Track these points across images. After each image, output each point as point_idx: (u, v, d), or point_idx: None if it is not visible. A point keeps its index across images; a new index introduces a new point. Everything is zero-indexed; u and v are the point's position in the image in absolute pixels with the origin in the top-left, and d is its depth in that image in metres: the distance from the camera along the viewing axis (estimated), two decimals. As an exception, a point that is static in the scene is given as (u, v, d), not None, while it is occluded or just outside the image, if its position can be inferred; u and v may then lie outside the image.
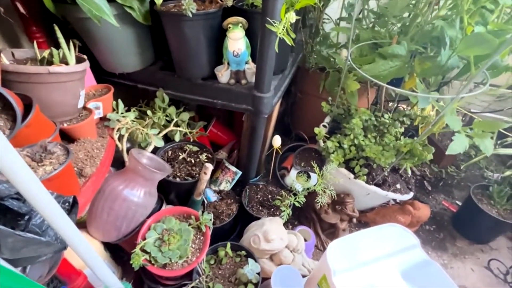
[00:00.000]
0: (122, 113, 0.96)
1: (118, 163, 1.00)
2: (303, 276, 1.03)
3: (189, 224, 0.91)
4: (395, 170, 1.37)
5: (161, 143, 1.01)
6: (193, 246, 0.88)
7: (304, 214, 1.36)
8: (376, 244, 0.81)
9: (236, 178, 1.21)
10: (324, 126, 1.37)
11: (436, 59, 0.97)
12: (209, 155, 1.12)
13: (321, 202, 1.03)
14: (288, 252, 1.00)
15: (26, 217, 0.45)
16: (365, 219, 1.39)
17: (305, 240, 1.20)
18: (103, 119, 0.96)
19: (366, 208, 1.42)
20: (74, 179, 0.67)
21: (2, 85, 0.64)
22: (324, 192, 1.02)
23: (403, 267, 0.77)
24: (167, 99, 1.07)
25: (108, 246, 0.93)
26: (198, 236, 0.90)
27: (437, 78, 1.36)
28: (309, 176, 1.25)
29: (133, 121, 0.95)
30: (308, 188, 1.08)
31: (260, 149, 1.14)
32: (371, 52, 1.17)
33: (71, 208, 0.55)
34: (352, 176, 1.18)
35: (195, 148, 1.14)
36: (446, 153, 0.86)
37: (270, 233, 0.96)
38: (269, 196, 1.23)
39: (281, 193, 1.21)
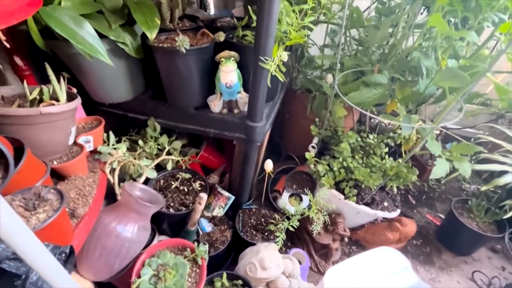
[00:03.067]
0: (113, 145, 0.95)
1: (108, 195, 0.98)
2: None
3: (185, 257, 0.90)
4: (381, 188, 1.42)
5: (153, 174, 1.00)
6: (189, 280, 0.86)
7: (297, 235, 1.37)
8: (370, 268, 0.83)
9: (229, 203, 1.21)
10: (313, 147, 1.42)
11: (415, 87, 1.04)
12: (202, 183, 1.12)
13: (316, 230, 1.05)
14: (284, 278, 1.01)
15: (23, 276, 0.44)
16: (355, 237, 1.43)
17: (300, 263, 1.21)
18: (94, 151, 0.94)
19: (356, 226, 1.46)
20: (68, 223, 0.65)
21: (-10, 128, 0.62)
22: (318, 219, 1.04)
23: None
24: (158, 128, 1.07)
25: (100, 285, 0.90)
26: (194, 269, 0.89)
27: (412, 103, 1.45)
28: (301, 199, 1.28)
29: (125, 153, 0.94)
30: (301, 213, 1.10)
31: (252, 173, 1.15)
32: (355, 78, 1.24)
33: (68, 257, 0.54)
34: (342, 197, 1.22)
35: (188, 176, 1.14)
36: (430, 177, 0.92)
37: (266, 260, 0.97)
38: (263, 220, 1.24)
39: (274, 216, 1.22)
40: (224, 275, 0.97)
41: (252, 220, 1.23)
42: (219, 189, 1.23)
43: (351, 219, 1.35)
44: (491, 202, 1.38)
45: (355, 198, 1.19)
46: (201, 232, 0.96)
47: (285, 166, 1.33)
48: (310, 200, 1.11)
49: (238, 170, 1.16)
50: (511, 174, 1.26)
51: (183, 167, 1.13)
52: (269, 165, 1.16)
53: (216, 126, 1.02)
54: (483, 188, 1.32)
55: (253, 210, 1.27)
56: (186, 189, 1.07)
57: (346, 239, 1.32)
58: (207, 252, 0.92)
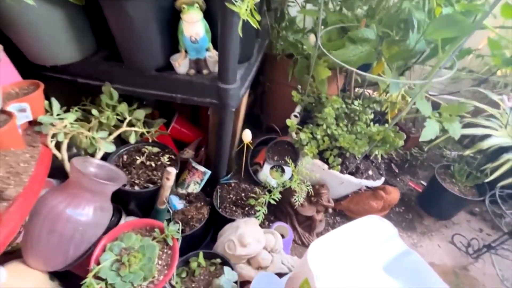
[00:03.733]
0: (58, 115, 0.79)
1: (60, 173, 0.84)
2: (283, 274, 0.99)
3: (153, 238, 0.80)
4: (366, 157, 1.37)
5: (111, 148, 0.86)
6: (160, 263, 0.77)
7: (280, 209, 1.31)
8: (356, 238, 0.78)
9: (205, 178, 1.11)
10: (295, 116, 1.31)
11: (404, 43, 0.94)
12: (172, 156, 0.99)
13: (299, 201, 0.98)
14: (266, 253, 0.95)
15: None
16: (339, 208, 1.39)
17: (283, 237, 1.15)
18: (34, 123, 0.78)
19: (340, 197, 1.42)
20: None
21: None
22: (301, 189, 0.97)
23: (385, 260, 0.75)
24: (116, 95, 0.92)
25: (57, 274, 0.79)
26: (165, 251, 0.80)
27: (399, 63, 1.36)
28: (283, 170, 1.20)
29: (73, 123, 0.79)
30: (283, 185, 1.02)
31: (229, 146, 1.04)
32: (340, 36, 1.12)
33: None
34: (326, 167, 1.15)
35: (156, 149, 1.01)
36: (420, 139, 0.86)
37: (246, 236, 0.89)
38: (243, 194, 1.15)
39: (255, 190, 1.14)
40: (201, 254, 0.89)
41: (232, 196, 1.14)
42: (194, 164, 1.12)
43: (335, 190, 1.29)
44: (471, 167, 1.37)
45: (339, 167, 1.13)
46: (171, 210, 0.86)
47: (265, 137, 1.23)
48: (292, 171, 1.03)
49: (214, 142, 1.04)
50: (494, 137, 1.24)
51: (150, 140, 0.99)
52: (247, 135, 1.05)
53: (183, 90, 0.88)
54: (467, 152, 1.30)
55: (232, 185, 1.18)
56: (153, 165, 0.95)
57: (330, 210, 1.28)
58: (180, 231, 0.82)
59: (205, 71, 0.87)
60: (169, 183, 0.82)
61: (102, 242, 0.75)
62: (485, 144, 1.22)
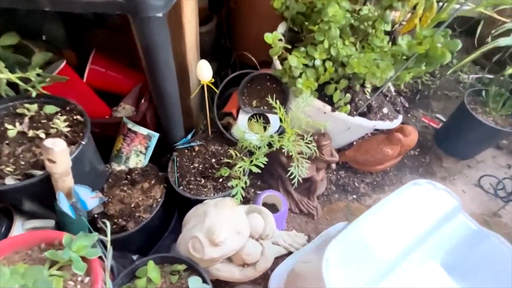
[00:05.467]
0: None
1: None
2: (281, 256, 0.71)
3: (52, 266, 0.46)
4: (375, 89, 1.01)
5: None
6: (70, 300, 0.45)
7: (268, 170, 0.99)
8: (395, 225, 0.47)
9: (152, 144, 0.74)
10: (279, 40, 0.89)
11: None
12: (78, 117, 0.59)
13: (299, 175, 0.63)
14: (252, 245, 0.65)
15: None
16: (343, 159, 1.09)
17: (275, 210, 0.86)
18: None
19: (342, 146, 1.11)
20: None
21: None
22: (301, 152, 0.62)
23: (444, 252, 0.45)
24: None
25: None
26: (79, 279, 0.47)
27: None
28: (267, 120, 0.83)
29: None
30: (270, 144, 0.67)
31: (175, 88, 0.64)
32: None
33: None
34: (329, 108, 0.79)
35: (49, 109, 0.59)
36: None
37: (218, 229, 0.57)
38: (213, 160, 0.80)
39: (229, 153, 0.79)
40: (151, 264, 0.57)
41: (197, 164, 0.79)
42: (130, 125, 0.73)
43: (337, 138, 0.97)
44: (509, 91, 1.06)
45: (348, 107, 0.77)
46: (79, 211, 0.49)
47: (236, 73, 0.82)
48: (281, 120, 0.67)
49: (152, 85, 0.64)
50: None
51: (34, 95, 0.57)
52: (203, 69, 0.64)
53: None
54: (509, 70, 0.97)
55: (196, 148, 0.81)
56: (44, 135, 0.55)
57: (333, 166, 0.97)
58: (108, 234, 0.48)
59: None
60: (56, 166, 0.44)
61: None
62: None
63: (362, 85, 0.90)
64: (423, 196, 0.48)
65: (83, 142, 0.52)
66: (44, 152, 0.43)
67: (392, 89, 1.07)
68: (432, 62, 0.63)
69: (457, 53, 0.70)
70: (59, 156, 0.43)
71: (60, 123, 0.53)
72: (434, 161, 1.16)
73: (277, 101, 0.65)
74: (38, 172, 0.49)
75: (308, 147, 0.64)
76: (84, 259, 0.46)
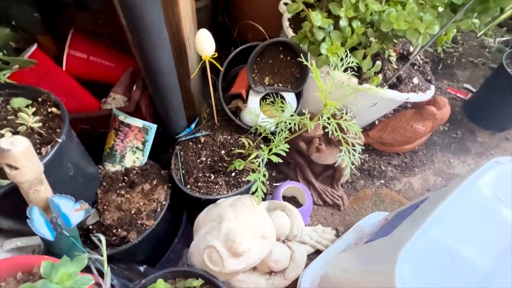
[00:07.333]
0: None
1: None
2: (311, 255, 0.61)
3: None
4: (401, 58, 0.88)
5: None
6: None
7: (284, 159, 0.87)
8: (482, 220, 0.35)
9: (150, 138, 0.62)
10: (286, 4, 0.75)
11: None
12: (53, 110, 0.47)
13: (346, 167, 0.52)
14: (280, 249, 0.54)
15: None
16: (366, 141, 0.97)
17: (298, 205, 0.75)
18: None
19: (365, 125, 0.99)
20: None
21: None
22: (345, 135, 0.50)
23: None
24: None
25: None
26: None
27: None
28: (283, 100, 0.71)
29: None
30: (291, 127, 0.55)
31: (171, 66, 0.52)
32: None
33: None
34: (355, 81, 0.67)
35: (17, 102, 0.47)
36: None
37: (239, 237, 0.46)
38: (223, 152, 0.69)
39: (242, 141, 0.67)
40: (160, 282, 0.47)
41: (204, 158, 0.67)
42: (122, 117, 0.61)
43: (361, 115, 0.84)
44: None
45: (380, 77, 0.64)
46: (60, 227, 0.38)
47: (243, 46, 0.69)
48: (297, 96, 0.54)
49: (141, 63, 0.51)
50: None
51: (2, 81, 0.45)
52: (204, 40, 0.52)
53: None
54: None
55: (202, 140, 0.70)
56: (10, 135, 0.43)
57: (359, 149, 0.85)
58: (104, 250, 0.37)
59: None
60: (22, 174, 0.33)
61: None
62: None
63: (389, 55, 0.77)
64: (509, 178, 0.36)
65: (60, 140, 0.41)
66: (0, 156, 0.32)
67: (419, 56, 0.94)
68: (489, 10, 0.50)
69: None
70: (22, 159, 0.32)
71: (27, 117, 0.42)
72: (466, 136, 1.04)
73: (294, 77, 0.52)
74: (3, 182, 0.38)
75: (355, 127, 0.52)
76: (72, 289, 0.35)
